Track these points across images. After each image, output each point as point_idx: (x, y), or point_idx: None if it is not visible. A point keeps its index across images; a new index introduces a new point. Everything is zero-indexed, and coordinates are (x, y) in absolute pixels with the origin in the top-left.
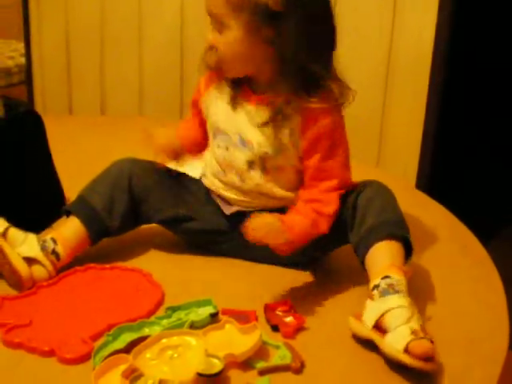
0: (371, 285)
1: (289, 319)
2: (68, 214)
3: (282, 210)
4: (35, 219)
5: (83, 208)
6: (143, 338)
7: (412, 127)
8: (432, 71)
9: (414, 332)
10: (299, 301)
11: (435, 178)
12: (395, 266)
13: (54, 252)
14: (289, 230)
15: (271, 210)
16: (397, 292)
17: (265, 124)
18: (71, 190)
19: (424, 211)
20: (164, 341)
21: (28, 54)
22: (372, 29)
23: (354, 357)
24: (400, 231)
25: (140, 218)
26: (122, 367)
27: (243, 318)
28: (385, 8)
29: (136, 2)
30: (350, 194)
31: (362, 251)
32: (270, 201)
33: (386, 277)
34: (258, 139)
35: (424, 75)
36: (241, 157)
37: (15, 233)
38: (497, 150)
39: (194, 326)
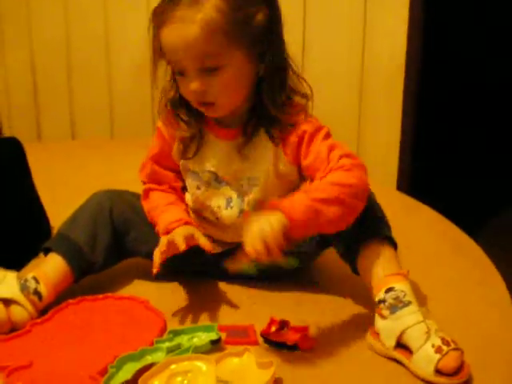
0: (376, 299)
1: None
2: (47, 251)
3: None
4: (23, 248)
5: (65, 244)
6: (148, 366)
7: (390, 129)
8: (406, 73)
9: (437, 349)
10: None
11: (416, 180)
12: (394, 274)
13: (36, 292)
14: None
15: None
16: (406, 305)
17: (246, 157)
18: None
19: (411, 214)
20: (173, 367)
21: None
22: (344, 35)
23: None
24: (382, 232)
25: (124, 252)
26: None
27: (241, 333)
28: (355, 30)
29: (102, 23)
30: None
31: (350, 258)
32: None
33: (390, 289)
34: (237, 175)
35: (399, 78)
36: (216, 196)
37: None
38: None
39: (194, 351)
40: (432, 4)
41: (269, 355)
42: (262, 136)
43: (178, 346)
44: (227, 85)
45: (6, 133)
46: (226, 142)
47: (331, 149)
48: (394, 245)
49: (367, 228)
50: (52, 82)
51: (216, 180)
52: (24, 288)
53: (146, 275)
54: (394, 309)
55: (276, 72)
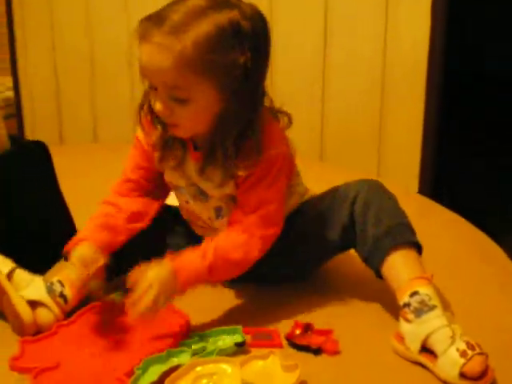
0: (400, 302)
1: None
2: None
3: None
4: (49, 250)
5: None
6: (174, 368)
7: (411, 132)
8: (428, 77)
9: (462, 353)
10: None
11: (437, 183)
12: (417, 277)
13: (61, 295)
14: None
15: None
16: (431, 309)
17: (207, 179)
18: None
19: (433, 217)
20: (198, 369)
21: (16, 88)
22: (366, 40)
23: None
24: (405, 236)
25: (137, 259)
26: None
27: (266, 336)
28: (378, 19)
29: (124, 29)
30: (342, 202)
31: (374, 262)
32: None
33: (414, 293)
34: (213, 191)
35: (420, 81)
36: (205, 208)
37: (21, 274)
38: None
39: (219, 354)
40: None
41: (293, 358)
42: (220, 164)
43: (203, 349)
44: (192, 116)
45: (29, 136)
46: (193, 162)
47: (261, 204)
48: (418, 249)
49: (391, 233)
50: (74, 86)
51: (201, 194)
52: (50, 290)
53: None
54: (419, 313)
55: (236, 113)
